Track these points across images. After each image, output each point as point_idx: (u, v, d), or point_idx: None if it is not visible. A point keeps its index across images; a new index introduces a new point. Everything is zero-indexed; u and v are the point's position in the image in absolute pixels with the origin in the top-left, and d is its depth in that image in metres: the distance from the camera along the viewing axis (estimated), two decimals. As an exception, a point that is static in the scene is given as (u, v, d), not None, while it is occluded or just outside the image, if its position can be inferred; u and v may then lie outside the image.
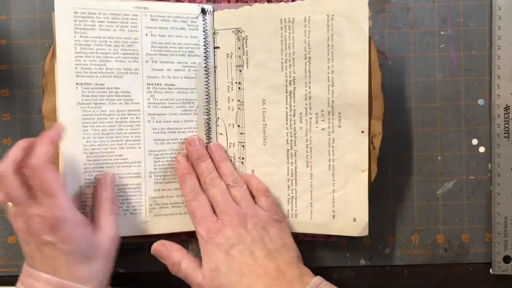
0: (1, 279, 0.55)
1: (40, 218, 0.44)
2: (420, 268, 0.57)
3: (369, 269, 0.57)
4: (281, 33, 0.51)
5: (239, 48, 0.52)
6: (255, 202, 0.51)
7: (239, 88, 0.53)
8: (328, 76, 0.51)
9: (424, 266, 0.57)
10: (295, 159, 0.52)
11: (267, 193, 0.52)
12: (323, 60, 0.51)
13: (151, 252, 0.51)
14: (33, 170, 0.44)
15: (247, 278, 0.45)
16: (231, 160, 0.53)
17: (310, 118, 0.52)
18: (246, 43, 0.52)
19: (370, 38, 0.50)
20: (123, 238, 0.53)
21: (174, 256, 0.49)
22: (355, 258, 0.56)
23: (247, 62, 0.52)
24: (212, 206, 0.50)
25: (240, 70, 0.53)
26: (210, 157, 0.52)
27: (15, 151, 0.45)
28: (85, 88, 0.51)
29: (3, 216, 0.55)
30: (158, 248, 0.50)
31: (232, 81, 0.53)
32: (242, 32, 0.52)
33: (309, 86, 0.51)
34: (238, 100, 0.53)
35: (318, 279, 0.46)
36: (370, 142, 0.51)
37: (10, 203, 0.45)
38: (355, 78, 0.50)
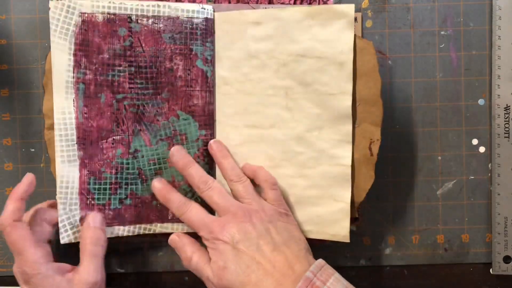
0: (1, 279, 0.55)
1: (16, 271, 0.47)
2: (420, 268, 0.57)
3: (369, 269, 0.57)
4: None
5: None
6: (262, 195, 0.51)
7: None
8: None
9: (424, 266, 0.57)
10: None
11: (274, 186, 0.51)
12: None
13: (168, 242, 0.51)
14: (2, 229, 0.47)
15: (255, 275, 0.45)
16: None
17: None
18: None
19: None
20: (123, 238, 0.54)
21: (186, 249, 0.49)
22: (355, 258, 0.56)
23: None
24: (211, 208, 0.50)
25: None
26: (212, 155, 0.52)
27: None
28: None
29: (3, 216, 0.55)
30: (174, 239, 0.51)
31: None
32: None
33: None
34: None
35: (321, 261, 0.46)
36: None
37: None
38: None
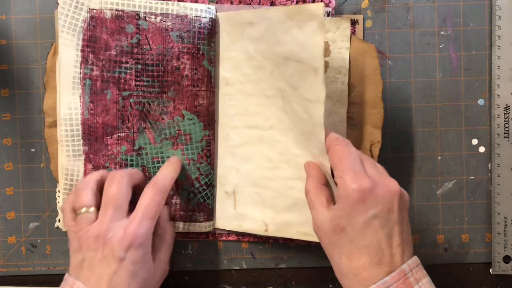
0: (1, 279, 0.55)
1: (124, 233, 0.44)
2: (420, 268, 0.57)
3: (369, 269, 0.57)
4: None
5: None
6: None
7: None
8: None
9: (424, 266, 0.56)
10: None
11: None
12: None
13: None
14: (152, 188, 0.47)
15: (365, 254, 0.42)
16: None
17: None
18: None
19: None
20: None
21: (308, 181, 0.46)
22: (355, 258, 0.56)
23: None
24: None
25: None
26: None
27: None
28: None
29: (4, 216, 0.55)
30: (304, 165, 0.48)
31: None
32: None
33: None
34: None
35: (417, 258, 0.44)
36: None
37: (91, 209, 0.46)
38: None
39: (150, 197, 0.46)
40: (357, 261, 0.42)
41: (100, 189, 0.48)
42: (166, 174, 0.49)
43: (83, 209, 0.46)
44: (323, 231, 0.44)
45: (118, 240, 0.44)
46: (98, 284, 0.44)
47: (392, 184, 0.43)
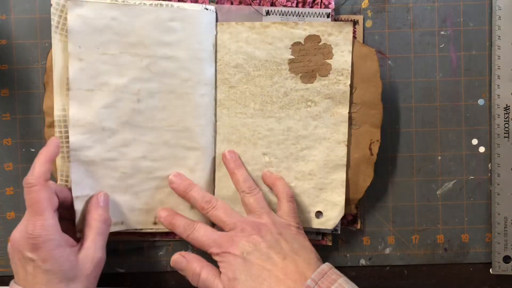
0: (1, 279, 0.55)
1: (25, 234, 0.44)
2: (420, 268, 0.57)
3: (369, 269, 0.57)
4: None
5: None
6: (278, 206, 0.51)
7: None
8: None
9: (424, 266, 0.57)
10: None
11: (291, 199, 0.51)
12: None
13: (171, 264, 0.50)
14: (28, 186, 0.45)
15: (267, 283, 0.44)
16: None
17: None
18: None
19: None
20: (123, 237, 0.54)
21: (193, 266, 0.48)
22: (355, 258, 0.56)
23: None
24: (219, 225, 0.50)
25: None
26: (225, 164, 0.52)
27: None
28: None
29: (4, 216, 0.55)
30: (177, 259, 0.50)
31: None
32: None
33: None
34: None
35: (326, 266, 0.46)
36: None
37: None
38: None
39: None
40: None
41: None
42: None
43: None
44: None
45: (22, 243, 0.45)
46: (28, 286, 0.45)
47: None
